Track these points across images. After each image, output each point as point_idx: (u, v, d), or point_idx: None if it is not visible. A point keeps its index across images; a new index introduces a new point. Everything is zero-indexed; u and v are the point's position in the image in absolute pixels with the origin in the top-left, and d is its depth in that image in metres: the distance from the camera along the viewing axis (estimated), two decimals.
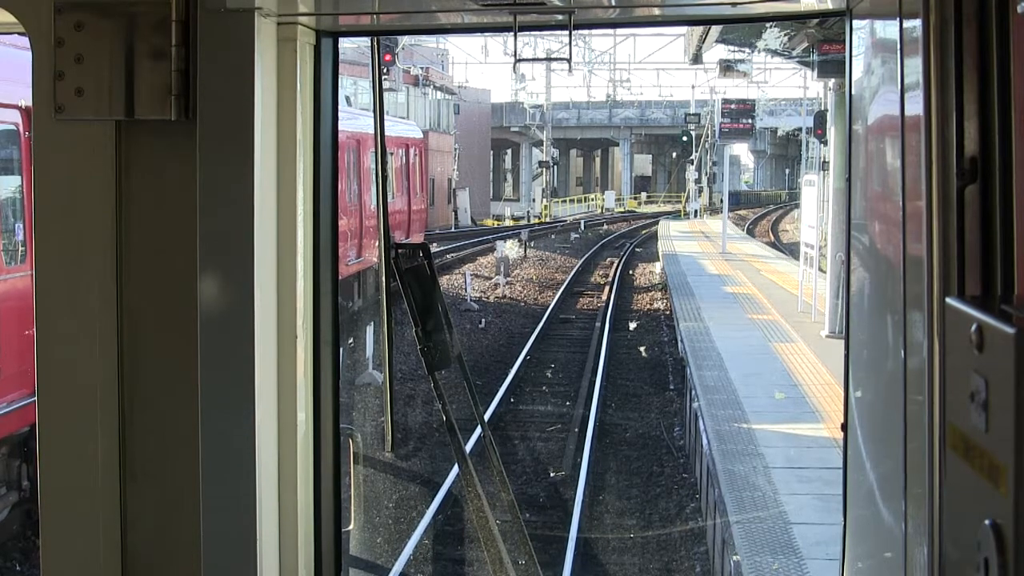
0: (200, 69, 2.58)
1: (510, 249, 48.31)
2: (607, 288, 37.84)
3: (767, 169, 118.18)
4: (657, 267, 43.72)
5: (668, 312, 31.80)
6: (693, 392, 18.77)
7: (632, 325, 30.94)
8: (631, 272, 43.94)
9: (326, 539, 3.02)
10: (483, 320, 30.40)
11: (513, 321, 31.19)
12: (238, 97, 2.61)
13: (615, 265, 45.01)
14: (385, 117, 3.58)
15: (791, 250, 52.32)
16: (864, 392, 2.61)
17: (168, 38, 2.54)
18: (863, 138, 2.59)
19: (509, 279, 38.98)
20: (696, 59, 40.48)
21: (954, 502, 1.73)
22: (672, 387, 23.01)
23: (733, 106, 59.05)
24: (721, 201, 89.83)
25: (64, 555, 2.73)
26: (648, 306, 34.75)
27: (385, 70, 41.34)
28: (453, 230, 61.96)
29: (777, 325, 25.54)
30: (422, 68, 64.31)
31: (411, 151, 35.48)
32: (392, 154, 31.51)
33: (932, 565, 1.96)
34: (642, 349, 27.45)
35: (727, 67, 42.81)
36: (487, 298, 35.19)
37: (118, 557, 2.70)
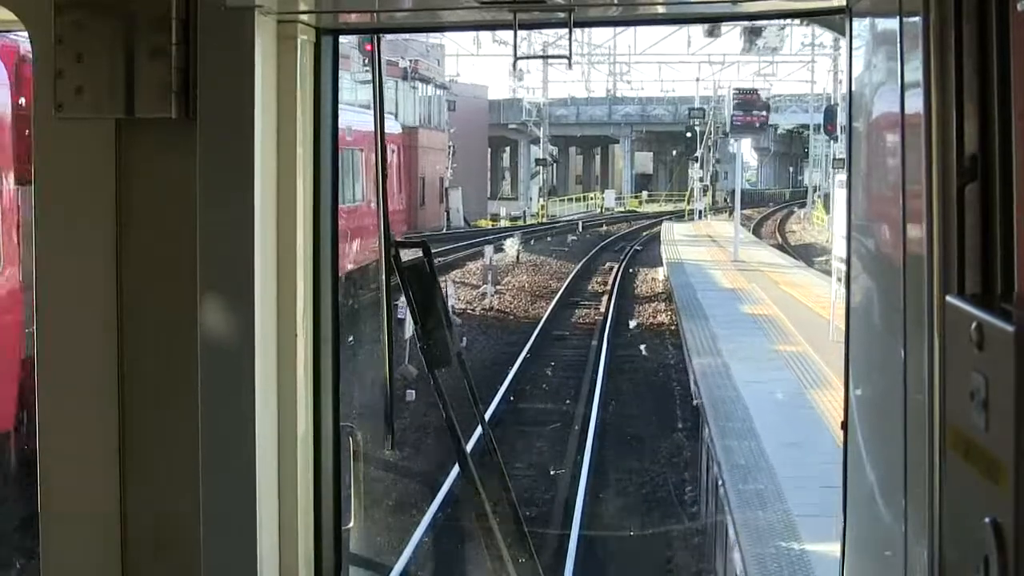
0: (200, 67, 2.66)
1: (509, 247, 46.55)
2: (606, 298, 36.21)
3: (770, 167, 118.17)
4: (660, 273, 41.95)
5: (673, 327, 29.77)
6: (717, 469, 14.79)
7: (633, 343, 28.78)
8: (632, 279, 42.30)
9: (326, 537, 3.10)
10: (464, 338, 27.77)
11: (499, 338, 29.05)
12: (238, 95, 2.71)
13: (615, 271, 43.54)
14: (375, 113, 3.71)
15: (800, 253, 50.98)
16: (864, 390, 2.67)
17: (168, 36, 2.63)
18: (863, 136, 2.65)
19: (499, 287, 37.41)
20: (712, 32, 39.42)
21: (954, 500, 1.80)
22: (681, 426, 20.48)
23: (746, 97, 55.83)
24: (726, 200, 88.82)
25: (64, 551, 2.82)
26: (651, 319, 32.80)
27: (365, 61, 40.77)
28: (444, 231, 61.66)
29: (809, 361, 21.76)
30: (410, 61, 64.08)
31: (388, 147, 34.61)
32: (362, 151, 29.98)
33: (932, 563, 2.00)
34: (645, 374, 25.36)
35: (752, 38, 41.00)
36: (472, 310, 33.46)
37: (118, 553, 2.79)
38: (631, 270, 44.80)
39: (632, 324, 31.57)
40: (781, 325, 26.82)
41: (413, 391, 20.61)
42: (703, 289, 34.57)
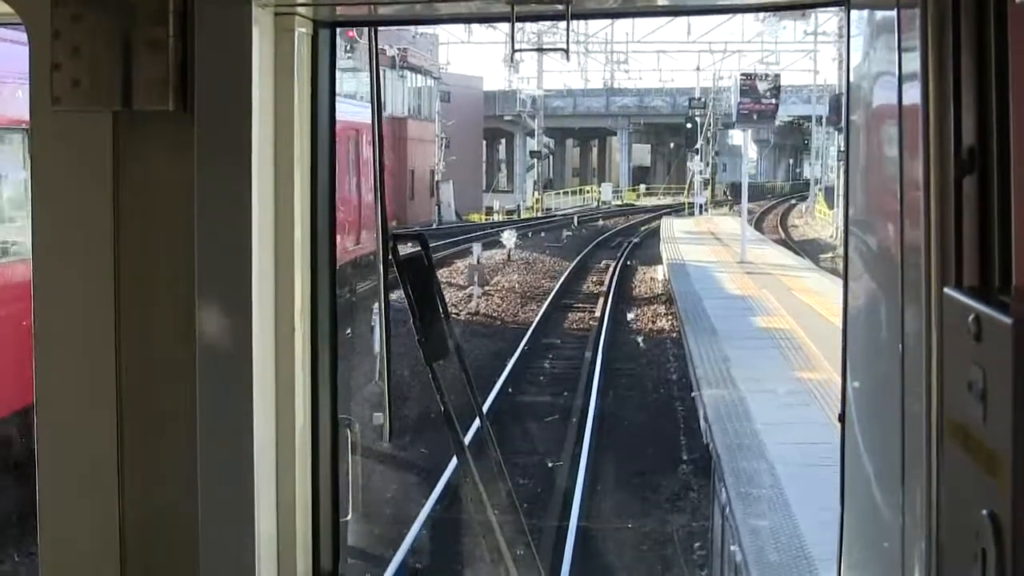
0: (197, 60, 2.72)
1: (508, 239, 45.09)
2: (601, 299, 34.50)
3: (769, 159, 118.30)
4: (659, 272, 40.44)
5: (675, 335, 28.09)
6: (741, 557, 12.22)
7: (631, 354, 26.89)
8: (630, 278, 40.65)
9: (324, 529, 3.18)
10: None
11: (483, 348, 26.89)
12: (235, 88, 2.77)
13: (611, 269, 41.99)
14: (373, 105, 3.80)
15: (805, 250, 49.44)
16: (862, 382, 2.74)
17: (165, 29, 2.69)
18: (862, 128, 2.71)
19: (487, 288, 35.69)
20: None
21: (952, 492, 1.85)
22: (686, 458, 18.32)
23: (754, 83, 49.11)
24: (726, 194, 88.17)
25: (62, 545, 2.88)
26: (650, 324, 30.91)
27: (348, 47, 40.20)
28: (435, 226, 61.49)
29: (837, 394, 18.69)
30: (398, 49, 63.87)
31: (362, 138, 31.43)
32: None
33: (930, 555, 2.06)
34: (643, 391, 23.42)
35: None
36: (457, 314, 30.63)
37: (116, 546, 2.84)
38: (628, 268, 43.52)
39: (629, 334, 29.86)
40: (800, 343, 24.10)
41: (382, 414, 19.54)
42: (709, 297, 31.86)
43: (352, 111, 32.43)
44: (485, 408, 19.72)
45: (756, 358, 22.29)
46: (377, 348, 18.12)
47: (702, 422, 18.26)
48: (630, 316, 32.46)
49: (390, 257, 3.37)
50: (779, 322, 27.08)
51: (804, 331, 25.23)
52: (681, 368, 24.27)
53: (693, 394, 19.90)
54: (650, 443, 19.61)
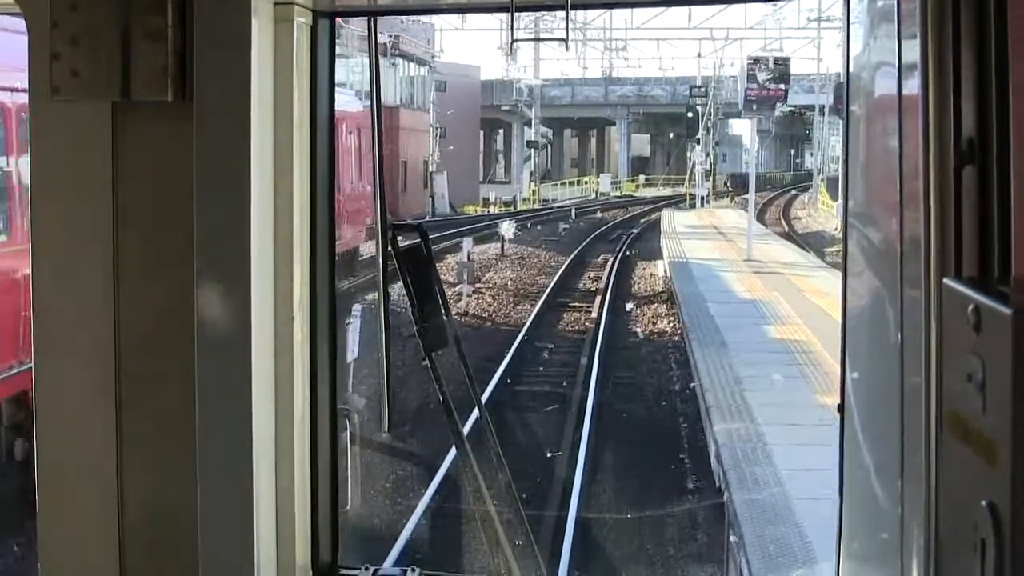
0: (196, 50, 2.75)
1: (506, 230, 44.28)
2: (599, 298, 33.31)
3: (769, 150, 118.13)
4: (660, 268, 39.30)
5: (677, 338, 27.07)
6: None
7: (630, 361, 25.65)
8: (629, 274, 39.54)
9: (323, 519, 3.22)
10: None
11: (469, 353, 22.40)
12: (235, 78, 2.80)
13: (609, 264, 40.97)
14: (372, 96, 3.86)
15: (810, 243, 48.41)
16: (861, 373, 2.77)
17: (164, 19, 2.72)
18: (861, 119, 2.75)
19: (478, 285, 34.56)
20: None
21: (951, 482, 1.87)
22: (691, 487, 16.88)
23: (762, 67, 47.61)
24: (726, 185, 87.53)
25: (61, 535, 2.92)
26: (651, 327, 29.65)
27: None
28: (428, 219, 61.13)
29: None
30: (390, 36, 63.57)
31: (343, 127, 30.76)
32: None
33: (929, 545, 2.07)
34: (644, 404, 22.10)
35: None
36: None
37: (115, 536, 2.89)
38: (627, 265, 42.51)
39: (629, 336, 28.70)
40: (818, 358, 22.19)
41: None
42: (716, 301, 30.31)
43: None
44: (469, 424, 19.23)
45: (771, 380, 20.57)
46: (350, 357, 17.95)
47: (713, 461, 16.73)
48: (630, 316, 31.38)
49: (389, 248, 3.43)
50: (794, 331, 25.47)
51: (820, 341, 23.59)
52: (683, 379, 23.40)
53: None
54: (649, 457, 18.73)
